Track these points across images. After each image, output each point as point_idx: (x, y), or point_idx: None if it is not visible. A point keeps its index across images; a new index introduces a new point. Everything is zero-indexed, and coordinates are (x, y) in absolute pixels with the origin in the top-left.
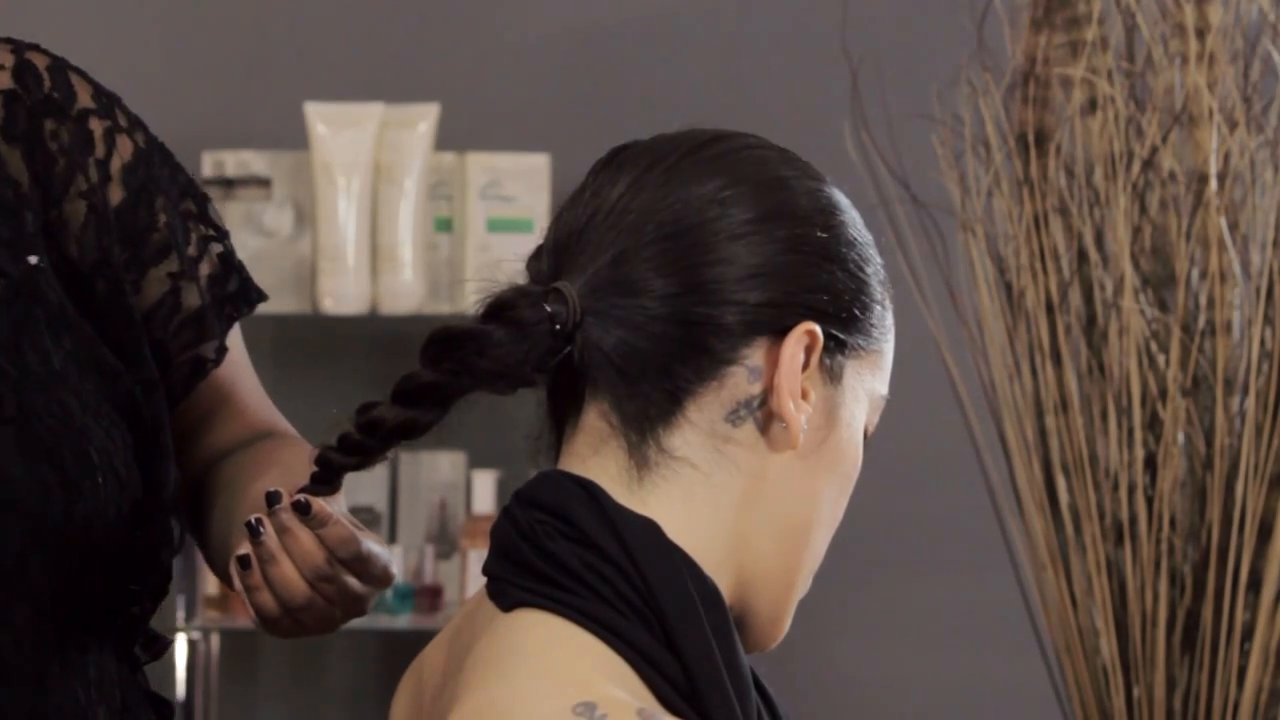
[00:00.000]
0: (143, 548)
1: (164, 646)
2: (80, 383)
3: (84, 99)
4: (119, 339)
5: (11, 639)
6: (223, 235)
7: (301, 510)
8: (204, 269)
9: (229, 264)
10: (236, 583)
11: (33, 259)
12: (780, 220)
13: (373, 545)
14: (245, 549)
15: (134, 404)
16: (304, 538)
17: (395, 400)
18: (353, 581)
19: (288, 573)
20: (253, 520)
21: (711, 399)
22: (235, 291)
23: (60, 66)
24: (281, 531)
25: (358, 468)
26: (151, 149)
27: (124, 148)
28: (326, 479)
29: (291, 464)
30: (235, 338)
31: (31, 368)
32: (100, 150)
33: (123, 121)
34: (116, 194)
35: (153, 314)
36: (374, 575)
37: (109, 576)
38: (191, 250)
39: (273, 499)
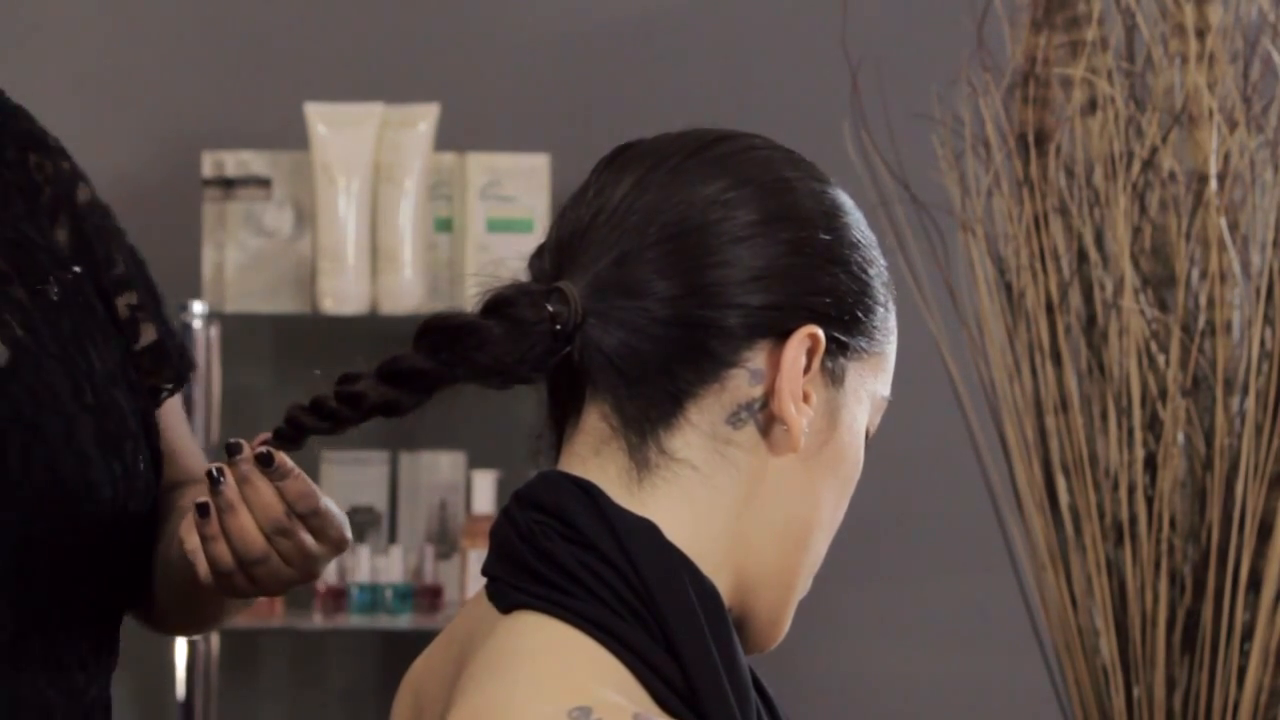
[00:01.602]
0: (139, 553)
1: (115, 662)
2: (122, 389)
3: (51, 140)
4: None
5: (59, 625)
6: (161, 300)
7: (264, 462)
8: (152, 319)
9: (169, 328)
10: (190, 538)
11: (76, 269)
12: (784, 222)
13: (330, 505)
14: (204, 497)
15: (148, 418)
16: (264, 489)
17: (382, 378)
18: (309, 540)
19: (245, 524)
20: (214, 469)
21: (712, 401)
22: (178, 350)
23: (18, 108)
24: (242, 481)
25: (327, 433)
26: (96, 202)
27: (82, 192)
28: (292, 438)
29: None
30: (175, 402)
31: (95, 365)
32: (68, 188)
33: (79, 169)
34: (85, 228)
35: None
36: (330, 536)
37: (115, 576)
38: (147, 297)
39: (234, 449)
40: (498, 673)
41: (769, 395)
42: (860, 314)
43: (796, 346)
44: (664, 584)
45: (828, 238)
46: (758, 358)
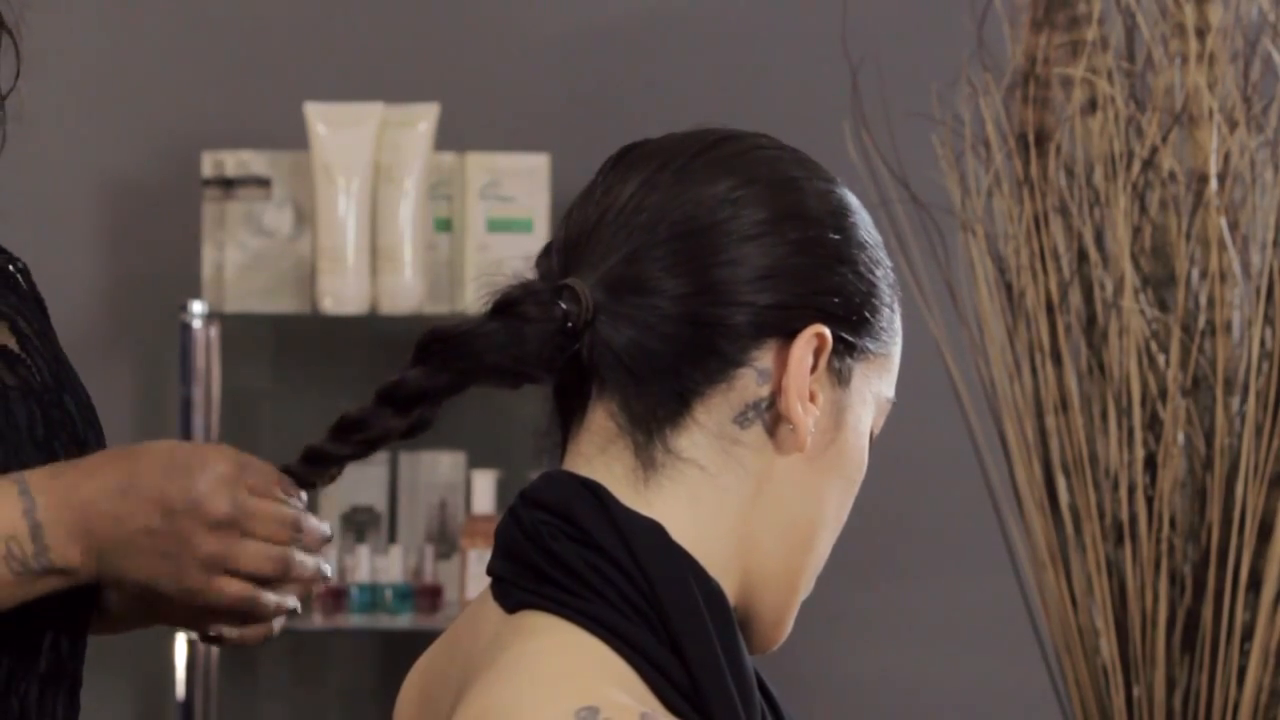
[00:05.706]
0: None
1: None
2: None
3: None
4: None
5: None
6: None
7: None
8: None
9: None
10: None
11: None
12: (792, 221)
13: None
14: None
15: None
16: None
17: (395, 407)
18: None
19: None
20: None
21: (720, 400)
22: None
23: None
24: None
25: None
26: None
27: None
28: (310, 484)
29: None
30: None
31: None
32: None
33: None
34: None
35: None
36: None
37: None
38: None
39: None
40: (504, 673)
41: (776, 394)
42: (867, 314)
43: (804, 346)
44: (669, 584)
45: (836, 237)
46: (765, 357)
